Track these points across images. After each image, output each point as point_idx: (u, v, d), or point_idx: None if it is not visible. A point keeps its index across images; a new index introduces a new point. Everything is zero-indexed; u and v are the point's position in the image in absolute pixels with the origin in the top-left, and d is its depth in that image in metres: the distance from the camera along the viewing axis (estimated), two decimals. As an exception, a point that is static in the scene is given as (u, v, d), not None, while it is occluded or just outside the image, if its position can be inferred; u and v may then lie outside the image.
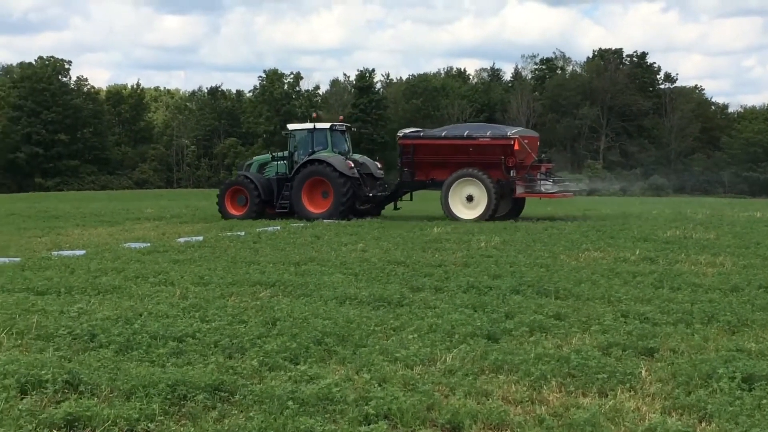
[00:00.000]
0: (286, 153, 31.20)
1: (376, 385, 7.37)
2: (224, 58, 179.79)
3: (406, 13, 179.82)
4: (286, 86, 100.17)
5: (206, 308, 10.73)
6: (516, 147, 28.60)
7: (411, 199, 32.11)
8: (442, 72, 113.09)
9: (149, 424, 6.40)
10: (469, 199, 28.88)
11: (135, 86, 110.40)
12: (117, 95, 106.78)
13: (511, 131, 30.09)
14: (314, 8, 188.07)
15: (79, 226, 26.80)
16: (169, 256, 16.91)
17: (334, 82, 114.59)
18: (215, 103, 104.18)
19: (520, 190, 28.90)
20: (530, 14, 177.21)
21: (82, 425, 6.39)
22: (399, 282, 13.34)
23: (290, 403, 6.76)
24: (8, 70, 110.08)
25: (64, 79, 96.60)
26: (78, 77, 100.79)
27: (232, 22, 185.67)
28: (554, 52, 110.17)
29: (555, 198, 30.60)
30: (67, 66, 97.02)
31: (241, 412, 6.75)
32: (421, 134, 31.41)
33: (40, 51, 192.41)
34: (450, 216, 28.77)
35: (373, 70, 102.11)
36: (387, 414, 6.68)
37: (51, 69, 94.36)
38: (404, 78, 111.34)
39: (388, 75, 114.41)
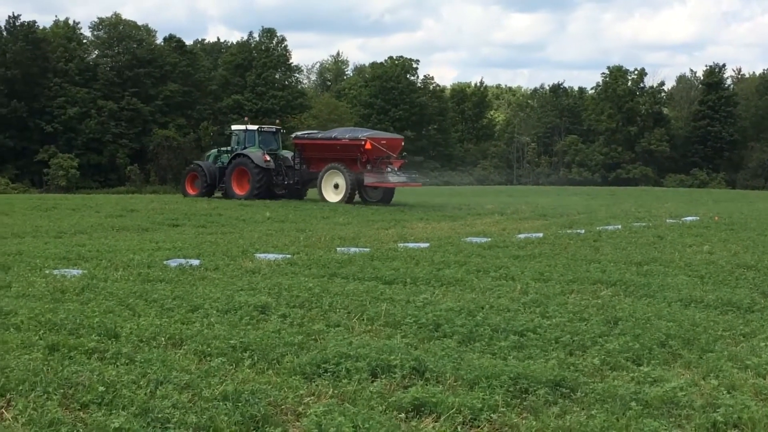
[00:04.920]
0: (229, 148, 39.56)
1: (724, 392, 7.04)
2: (569, 56, 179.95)
3: (765, 4, 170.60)
4: (629, 83, 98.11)
5: (546, 304, 10.73)
6: (368, 147, 35.16)
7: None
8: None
9: (492, 415, 6.49)
10: (336, 186, 36.09)
11: (478, 84, 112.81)
12: (461, 93, 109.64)
13: (364, 134, 37.03)
14: (667, 2, 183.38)
15: (423, 220, 27.71)
16: (509, 252, 17.06)
17: (680, 78, 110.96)
18: (557, 100, 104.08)
19: (369, 180, 35.20)
20: None
21: (428, 411, 6.59)
22: (749, 286, 12.66)
23: (633, 404, 6.61)
24: (360, 69, 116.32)
25: (412, 77, 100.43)
26: (425, 76, 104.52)
27: (580, 19, 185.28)
28: None
29: (399, 186, 37.34)
30: (414, 65, 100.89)
31: (583, 409, 6.68)
32: (305, 136, 39.19)
33: (391, 51, 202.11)
34: (322, 199, 35.99)
35: (724, 66, 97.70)
36: (737, 423, 6.36)
37: (400, 68, 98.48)
38: (758, 73, 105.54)
39: (739, 70, 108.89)
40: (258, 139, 38.31)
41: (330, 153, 36.59)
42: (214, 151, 41.21)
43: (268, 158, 37.28)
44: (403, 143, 38.74)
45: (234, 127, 41.09)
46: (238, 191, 37.43)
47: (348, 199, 35.40)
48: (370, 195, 36.86)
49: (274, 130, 39.92)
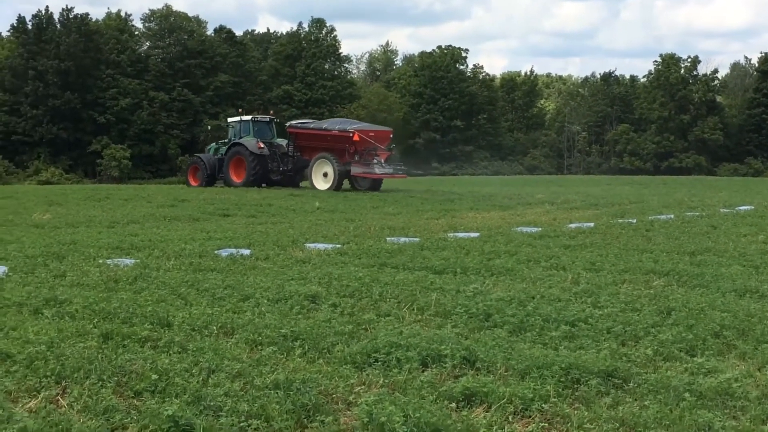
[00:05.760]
0: (227, 140, 41.73)
1: (780, 384, 6.95)
2: (621, 44, 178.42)
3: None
4: (682, 71, 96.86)
5: (598, 294, 10.63)
6: (355, 138, 36.87)
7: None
8: None
9: (543, 405, 6.45)
10: (325, 175, 37.90)
11: (528, 73, 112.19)
12: (511, 82, 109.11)
13: (352, 126, 38.84)
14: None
15: (473, 209, 27.61)
16: (560, 241, 16.93)
17: (734, 66, 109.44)
18: (608, 88, 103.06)
19: (356, 170, 37.37)
20: None
21: (479, 401, 6.57)
22: (805, 277, 12.46)
23: (687, 395, 6.54)
24: (409, 59, 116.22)
25: (461, 67, 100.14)
26: (474, 65, 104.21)
27: (632, 6, 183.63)
28: None
29: (385, 177, 38.74)
30: (464, 54, 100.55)
31: (636, 400, 6.62)
32: (299, 125, 41.00)
33: (440, 40, 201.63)
34: (312, 187, 37.90)
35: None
36: (793, 415, 6.27)
37: (449, 58, 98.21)
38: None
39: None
40: (252, 129, 40.70)
41: (321, 143, 38.65)
42: (214, 144, 43.41)
43: (262, 145, 39.50)
44: (391, 136, 40.81)
45: (230, 119, 43.81)
46: (235, 179, 39.93)
47: (336, 187, 37.37)
48: (360, 183, 39.11)
49: (267, 119, 42.50)
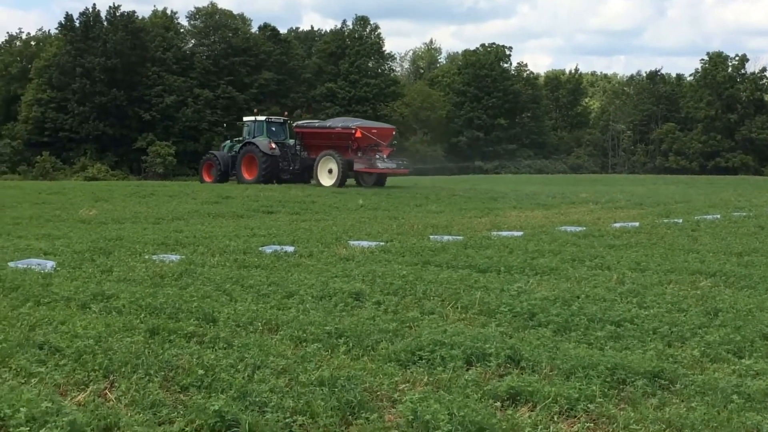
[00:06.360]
0: (241, 138, 42.73)
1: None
2: (667, 42, 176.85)
3: None
4: (729, 69, 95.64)
5: (644, 294, 10.55)
6: (358, 135, 37.78)
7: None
8: None
9: (588, 405, 6.41)
10: (330, 171, 38.58)
11: (573, 71, 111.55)
12: (555, 80, 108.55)
13: (355, 123, 39.99)
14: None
15: (516, 208, 27.55)
16: (604, 241, 16.85)
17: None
18: (654, 87, 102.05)
19: (359, 166, 38.11)
20: None
21: (524, 400, 6.55)
22: None
23: (735, 397, 6.47)
24: (453, 57, 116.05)
25: (505, 65, 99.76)
26: (518, 63, 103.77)
27: (679, 5, 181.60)
28: None
29: (387, 172, 39.67)
30: (508, 52, 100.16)
31: (682, 401, 6.56)
32: (305, 125, 42.40)
33: (484, 38, 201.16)
34: (318, 184, 38.38)
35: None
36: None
37: (493, 56, 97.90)
38: None
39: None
40: (266, 129, 41.86)
41: (325, 140, 39.61)
42: (228, 142, 44.81)
43: (273, 146, 40.61)
44: (394, 132, 41.66)
45: (245, 118, 44.97)
46: (247, 176, 40.93)
47: (340, 183, 38.19)
48: (365, 180, 39.76)
49: (281, 120, 43.63)
